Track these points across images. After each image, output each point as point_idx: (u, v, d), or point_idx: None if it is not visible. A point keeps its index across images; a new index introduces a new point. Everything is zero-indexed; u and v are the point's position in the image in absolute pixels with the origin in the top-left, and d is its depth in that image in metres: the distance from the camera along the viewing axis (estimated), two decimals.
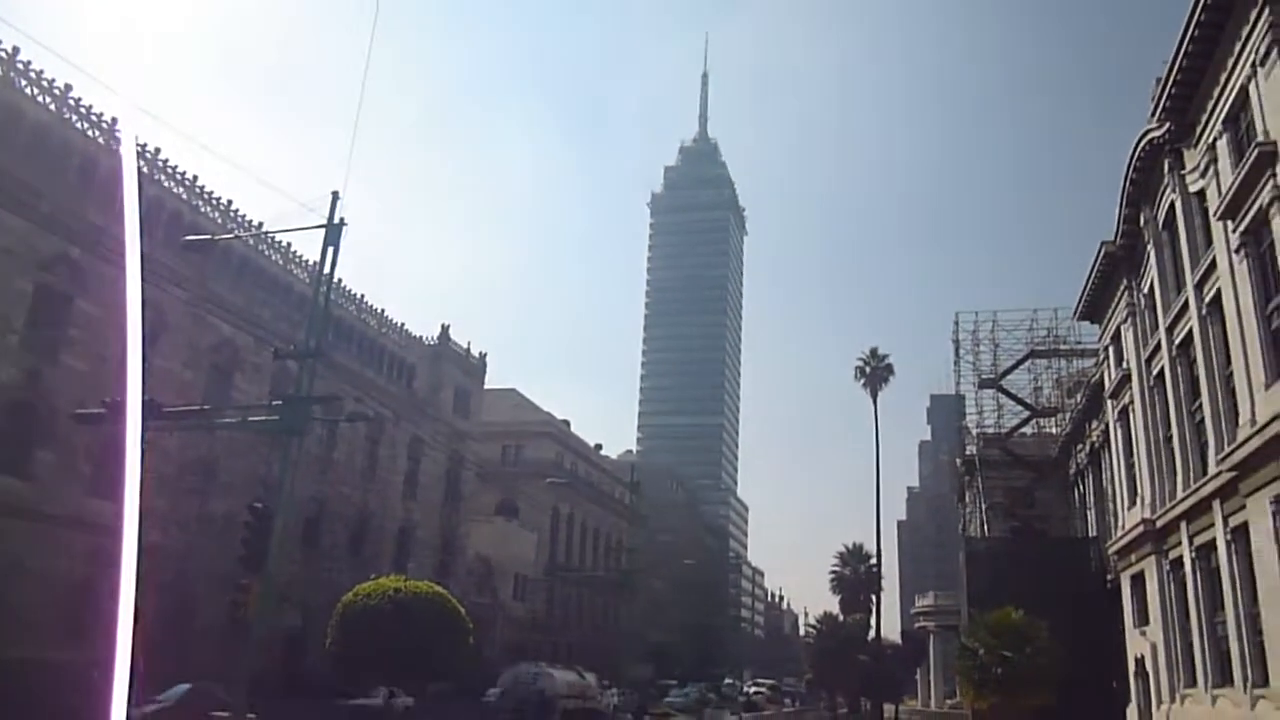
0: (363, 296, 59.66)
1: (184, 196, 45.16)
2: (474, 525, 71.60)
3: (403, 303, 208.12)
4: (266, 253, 51.12)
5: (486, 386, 76.30)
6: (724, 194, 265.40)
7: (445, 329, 69.74)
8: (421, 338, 67.65)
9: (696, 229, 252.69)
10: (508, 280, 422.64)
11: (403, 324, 64.19)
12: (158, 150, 44.33)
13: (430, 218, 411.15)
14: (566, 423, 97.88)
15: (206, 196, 46.42)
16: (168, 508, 40.06)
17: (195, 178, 45.82)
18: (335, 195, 23.60)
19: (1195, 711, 31.87)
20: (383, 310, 61.79)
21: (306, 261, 51.67)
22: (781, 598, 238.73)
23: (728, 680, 71.55)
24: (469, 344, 72.87)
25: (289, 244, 52.35)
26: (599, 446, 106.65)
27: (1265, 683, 25.64)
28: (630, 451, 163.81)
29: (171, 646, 38.95)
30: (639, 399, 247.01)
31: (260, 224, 44.79)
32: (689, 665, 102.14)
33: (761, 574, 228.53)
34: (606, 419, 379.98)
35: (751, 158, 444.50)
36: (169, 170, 44.58)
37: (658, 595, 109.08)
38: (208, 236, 36.25)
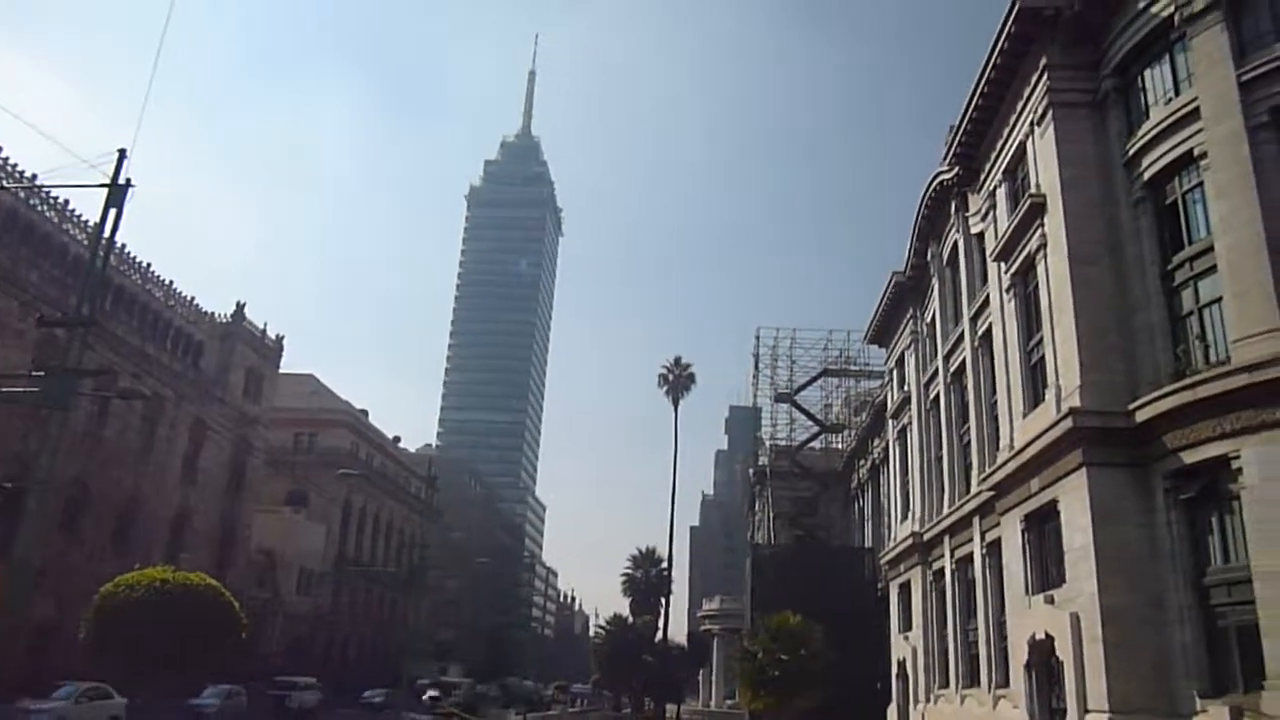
0: (149, 265, 55.53)
1: None
2: (259, 515, 67.97)
3: (197, 277, 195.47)
4: (40, 209, 46.67)
5: (282, 370, 72.67)
6: (543, 193, 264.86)
7: (240, 307, 65.96)
8: (213, 314, 63.67)
9: (513, 225, 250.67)
10: (313, 261, 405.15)
11: (193, 298, 60.27)
12: None
13: (233, 190, 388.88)
14: (365, 412, 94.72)
15: None
16: None
17: None
18: (122, 153, 21.83)
19: (946, 710, 34.53)
20: (170, 282, 57.76)
21: (86, 222, 47.58)
22: (574, 599, 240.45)
23: (463, 679, 74.69)
24: (265, 325, 69.25)
25: (66, 201, 48.05)
26: (397, 439, 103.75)
27: (1006, 684, 28.13)
28: (430, 445, 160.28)
29: None
30: (442, 393, 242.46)
31: (34, 176, 40.88)
32: (479, 664, 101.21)
33: (555, 574, 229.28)
34: (408, 411, 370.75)
35: (573, 160, 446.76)
36: None
37: (450, 592, 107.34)
38: None
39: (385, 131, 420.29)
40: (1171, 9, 22.77)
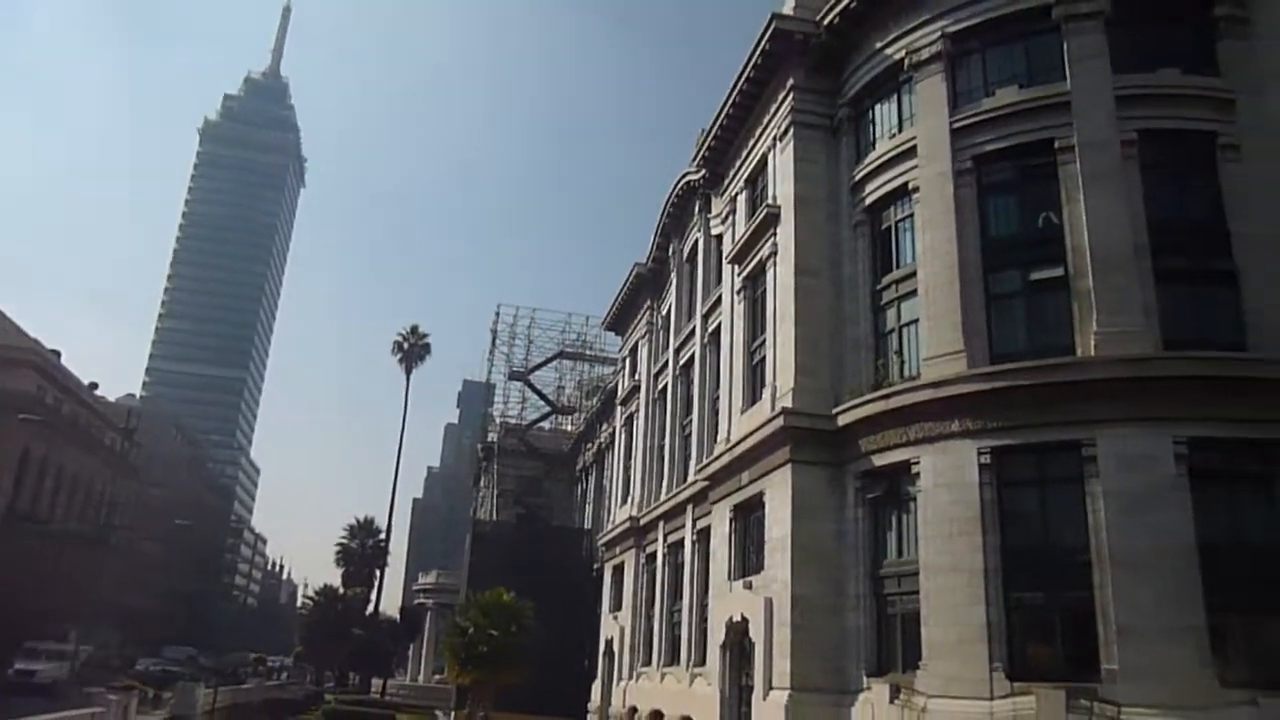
0: None
1: None
2: None
3: None
4: None
5: None
6: (287, 138, 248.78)
7: None
8: None
9: (250, 168, 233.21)
10: (12, 174, 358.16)
11: None
12: None
13: None
14: (57, 353, 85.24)
15: None
16: None
17: None
18: None
19: (647, 686, 36.13)
20: None
21: None
22: (282, 567, 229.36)
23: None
24: None
25: None
26: (94, 385, 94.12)
27: (703, 662, 29.84)
28: (133, 395, 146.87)
29: None
30: (153, 340, 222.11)
31: None
32: (174, 633, 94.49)
33: (265, 540, 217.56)
34: (110, 357, 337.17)
35: (324, 110, 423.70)
36: None
37: (146, 556, 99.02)
38: None
39: (111, 41, 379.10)
40: (903, 53, 24.95)
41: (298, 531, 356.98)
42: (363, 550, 75.51)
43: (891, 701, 20.23)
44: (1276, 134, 21.02)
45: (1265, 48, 21.75)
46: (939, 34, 24.19)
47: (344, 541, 76.93)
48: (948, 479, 20.68)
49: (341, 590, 72.86)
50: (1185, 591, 17.98)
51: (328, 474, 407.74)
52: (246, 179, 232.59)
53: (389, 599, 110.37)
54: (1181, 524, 18.40)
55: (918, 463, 21.44)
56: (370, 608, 70.39)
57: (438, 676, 72.60)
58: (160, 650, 79.27)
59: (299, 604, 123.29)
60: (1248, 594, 18.65)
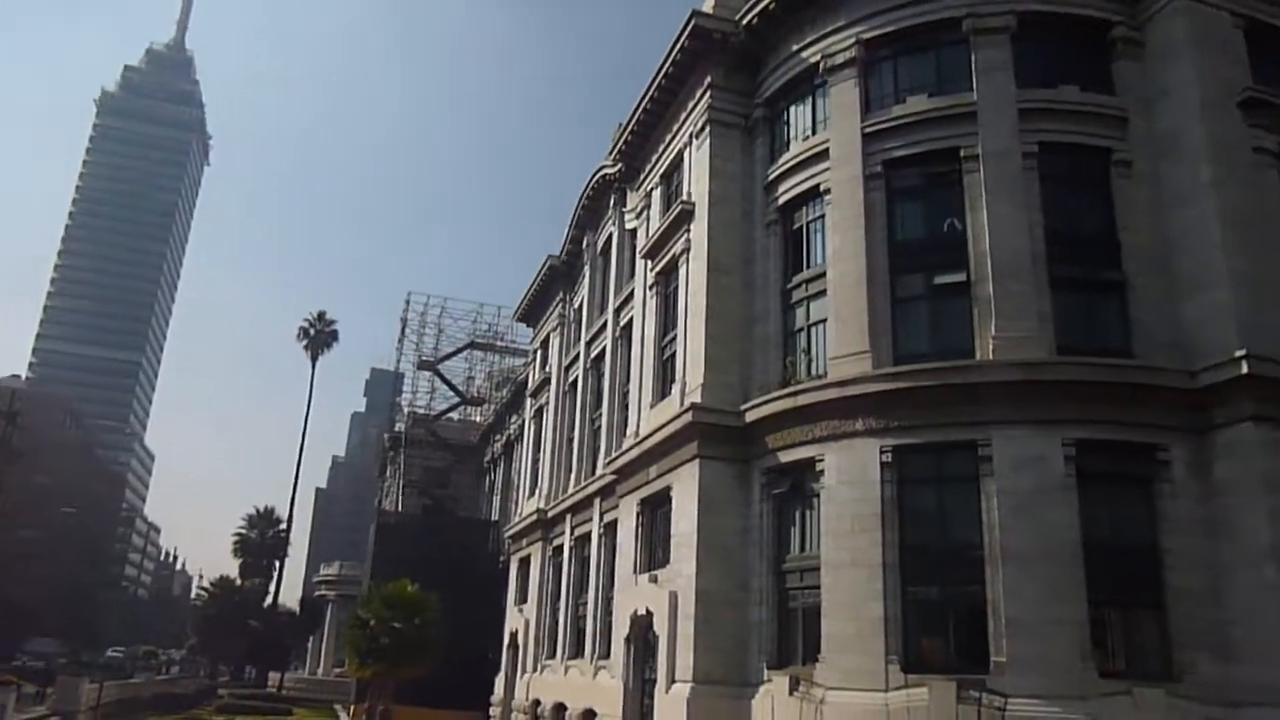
0: None
1: None
2: None
3: None
4: None
5: None
6: (191, 114, 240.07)
7: None
8: None
9: (150, 144, 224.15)
10: None
11: None
12: None
13: None
14: None
15: None
16: None
17: None
18: None
19: (551, 679, 36.06)
20: None
21: None
22: (176, 558, 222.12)
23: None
24: None
25: None
26: None
27: (607, 655, 29.92)
28: (17, 376, 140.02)
29: None
30: (41, 319, 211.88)
31: None
32: (55, 626, 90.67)
33: (158, 530, 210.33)
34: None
35: (231, 86, 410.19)
36: None
37: (25, 544, 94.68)
38: None
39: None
40: (818, 57, 25.36)
41: (194, 522, 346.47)
42: (262, 541, 73.73)
43: (791, 693, 20.60)
44: (1163, 152, 22.06)
45: (1156, 69, 22.78)
46: (853, 40, 24.65)
47: (243, 532, 74.96)
48: (850, 476, 21.13)
49: (239, 581, 71.03)
50: (1069, 587, 18.76)
51: (227, 462, 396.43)
52: (146, 154, 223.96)
53: (289, 591, 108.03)
54: (1068, 523, 19.17)
55: (822, 460, 21.85)
56: (269, 599, 68.78)
57: (338, 670, 71.21)
58: (21, 645, 75.93)
59: (193, 596, 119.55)
60: (1125, 590, 19.56)
